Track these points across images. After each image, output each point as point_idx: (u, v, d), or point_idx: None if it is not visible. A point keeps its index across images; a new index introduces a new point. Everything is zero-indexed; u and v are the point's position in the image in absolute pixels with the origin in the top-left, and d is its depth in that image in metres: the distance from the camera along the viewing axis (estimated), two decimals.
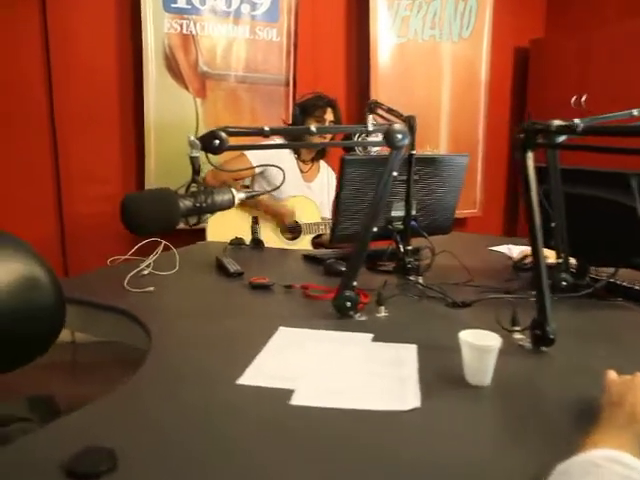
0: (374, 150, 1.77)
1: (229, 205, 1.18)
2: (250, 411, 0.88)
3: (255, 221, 2.28)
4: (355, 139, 1.70)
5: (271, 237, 2.53)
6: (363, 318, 1.32)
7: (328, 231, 2.59)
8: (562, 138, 1.13)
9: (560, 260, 1.44)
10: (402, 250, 1.69)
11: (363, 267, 1.60)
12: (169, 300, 1.49)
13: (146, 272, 1.69)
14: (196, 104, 3.18)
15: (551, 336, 1.06)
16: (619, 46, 3.21)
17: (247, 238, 2.20)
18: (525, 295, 1.40)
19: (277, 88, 3.33)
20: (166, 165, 3.11)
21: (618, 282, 1.48)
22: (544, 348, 1.09)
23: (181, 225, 1.14)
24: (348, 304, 1.31)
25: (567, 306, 1.40)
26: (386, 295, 1.38)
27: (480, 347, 0.94)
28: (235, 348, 1.16)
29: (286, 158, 2.61)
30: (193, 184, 1.16)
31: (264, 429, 0.83)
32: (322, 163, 2.81)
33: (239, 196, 1.19)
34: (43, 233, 3.11)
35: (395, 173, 1.31)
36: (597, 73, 3.34)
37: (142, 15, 3.00)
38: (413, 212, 1.69)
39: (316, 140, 2.35)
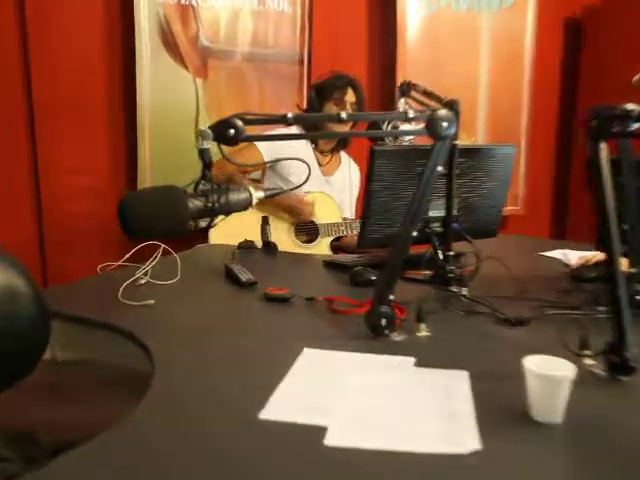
0: (406, 140, 1.76)
1: (245, 205, 1.16)
2: (277, 453, 0.85)
3: (265, 221, 2.27)
4: (385, 128, 1.68)
5: (283, 239, 2.51)
6: (401, 338, 1.29)
7: (349, 233, 2.59)
8: (637, 125, 1.10)
9: (635, 270, 1.40)
10: (441, 256, 1.67)
11: None
12: (172, 315, 1.47)
13: (143, 281, 1.67)
14: (196, 85, 3.15)
15: (632, 364, 1.02)
16: None
17: (255, 240, 2.19)
18: (591, 311, 1.37)
19: (289, 67, 3.30)
20: (162, 155, 3.09)
21: None
22: (623, 377, 1.05)
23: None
24: (383, 321, 1.28)
25: None
26: (426, 310, 1.35)
27: (551, 378, 0.91)
28: (253, 374, 1.13)
29: (301, 148, 2.59)
30: (203, 181, 1.13)
31: (295, 476, 0.80)
32: (343, 154, 2.80)
33: (257, 195, 1.18)
34: (17, 234, 3.07)
35: (440, 168, 1.29)
36: None
37: None
38: (454, 212, 1.67)
39: (338, 129, 2.33)
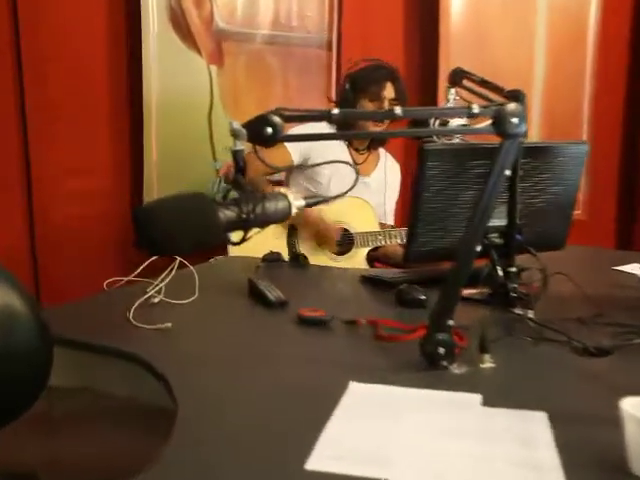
0: (455, 138, 1.74)
1: (284, 216, 1.15)
2: None
3: (292, 231, 2.26)
4: (432, 125, 1.67)
5: (311, 251, 2.50)
6: (462, 370, 1.26)
7: (388, 242, 2.56)
8: None
9: None
10: (502, 272, 1.64)
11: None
12: (193, 340, 1.46)
13: (156, 300, 1.66)
14: (210, 73, 3.17)
15: None
16: None
17: (280, 251, 2.18)
18: None
19: (316, 52, 3.30)
20: (171, 153, 3.12)
21: None
22: None
23: None
24: (441, 351, 1.25)
25: None
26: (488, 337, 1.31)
27: None
28: (293, 413, 1.10)
29: (334, 147, 2.57)
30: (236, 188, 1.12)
31: None
32: (381, 151, 2.79)
33: (297, 204, 1.15)
34: (6, 244, 3.08)
35: (508, 172, 1.26)
36: None
37: None
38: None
39: (374, 126, 2.33)
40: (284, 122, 1.11)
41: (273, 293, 1.68)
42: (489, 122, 1.26)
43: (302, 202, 1.17)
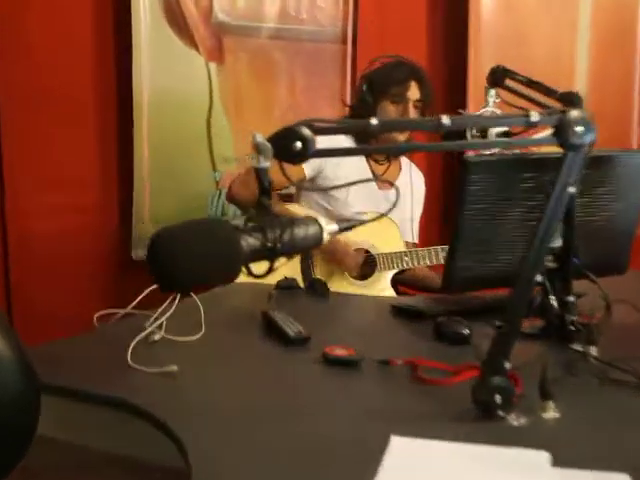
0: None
1: (315, 243, 1.11)
2: None
3: (307, 254, 2.24)
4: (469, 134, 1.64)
5: (328, 274, 2.49)
6: (521, 421, 1.22)
7: (416, 264, 2.54)
8: None
9: None
10: (557, 302, 1.61)
11: (485, 324, 1.52)
12: (203, 387, 1.43)
13: (157, 337, 1.63)
14: (209, 71, 3.17)
15: None
16: None
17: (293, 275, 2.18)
18: None
19: (329, 47, 3.31)
20: (165, 162, 3.11)
21: None
22: None
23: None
24: (498, 398, 1.21)
25: None
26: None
27: None
28: (325, 475, 1.06)
29: (350, 158, 2.55)
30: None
31: None
32: (403, 159, 2.78)
33: (330, 229, 1.12)
34: None
35: (572, 189, 1.23)
36: None
37: None
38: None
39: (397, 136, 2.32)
40: (315, 135, 1.07)
41: (292, 328, 1.66)
42: (548, 132, 1.23)
43: (335, 227, 1.14)
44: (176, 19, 3.07)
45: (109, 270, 3.02)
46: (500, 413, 1.21)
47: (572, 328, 1.57)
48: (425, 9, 3.52)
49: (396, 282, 2.63)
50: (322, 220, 1.12)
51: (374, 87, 2.62)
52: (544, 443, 1.11)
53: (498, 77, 1.86)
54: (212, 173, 3.21)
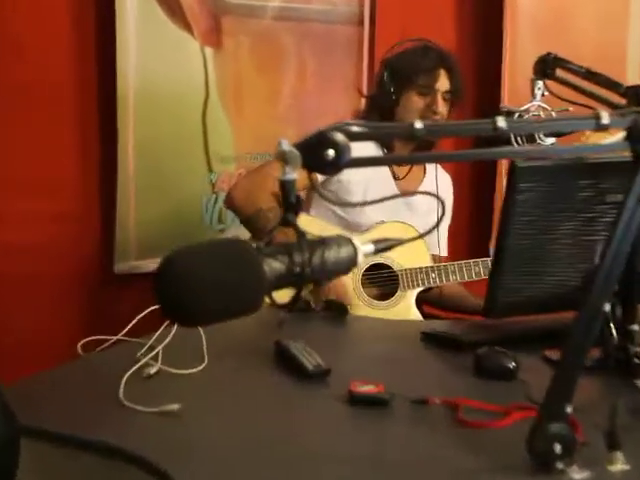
0: None
1: (348, 267, 1.09)
2: None
3: None
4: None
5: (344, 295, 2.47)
6: (584, 475, 1.19)
7: (444, 281, 2.52)
8: None
9: None
10: (617, 330, 1.60)
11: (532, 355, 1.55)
12: (208, 429, 1.40)
13: (153, 370, 1.61)
14: (205, 58, 3.15)
15: None
16: None
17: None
18: None
19: (343, 29, 3.31)
20: (153, 163, 3.10)
21: None
22: None
23: None
24: (557, 448, 1.19)
25: None
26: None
27: None
28: None
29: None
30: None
31: None
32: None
33: (365, 249, 1.09)
34: None
35: None
36: None
37: None
38: None
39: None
40: (350, 140, 1.05)
41: (310, 359, 1.64)
42: (620, 135, 1.20)
43: (371, 247, 1.11)
44: None
45: (90, 286, 3.00)
46: (559, 466, 1.19)
47: (637, 361, 1.56)
48: None
49: (421, 301, 2.62)
50: (356, 240, 1.10)
51: (397, 76, 2.63)
52: None
53: (547, 67, 1.86)
54: (207, 174, 3.19)
